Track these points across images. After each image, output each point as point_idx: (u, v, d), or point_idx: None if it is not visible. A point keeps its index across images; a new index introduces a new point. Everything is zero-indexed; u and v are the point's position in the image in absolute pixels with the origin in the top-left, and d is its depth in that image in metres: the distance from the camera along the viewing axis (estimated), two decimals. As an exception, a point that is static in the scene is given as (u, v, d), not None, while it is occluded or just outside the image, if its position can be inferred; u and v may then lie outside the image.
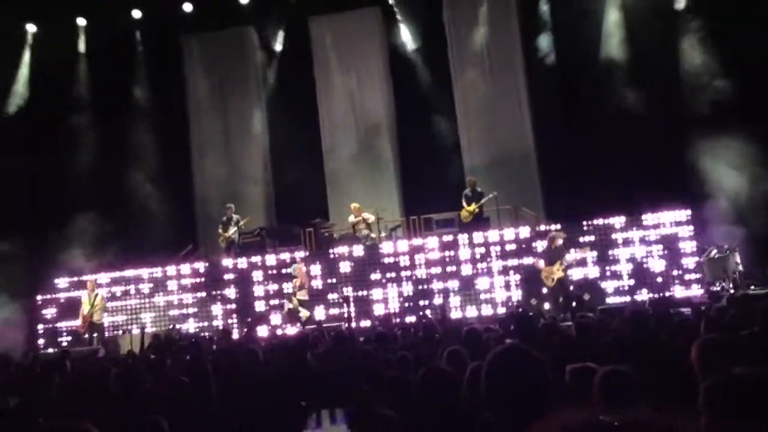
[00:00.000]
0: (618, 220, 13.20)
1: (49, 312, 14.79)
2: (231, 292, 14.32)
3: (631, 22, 15.21)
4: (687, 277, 12.79)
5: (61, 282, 14.90)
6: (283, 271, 13.95)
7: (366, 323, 13.28)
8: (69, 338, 14.16)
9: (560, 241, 12.40)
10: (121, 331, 14.20)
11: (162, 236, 15.59)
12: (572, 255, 12.35)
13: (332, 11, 17.35)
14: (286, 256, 14.28)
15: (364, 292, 13.80)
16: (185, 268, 14.64)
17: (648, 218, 13.08)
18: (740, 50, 13.15)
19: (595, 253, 13.04)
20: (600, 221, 13.26)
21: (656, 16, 14.73)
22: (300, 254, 14.18)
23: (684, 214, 12.96)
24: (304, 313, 13.17)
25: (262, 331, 12.64)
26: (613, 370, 3.31)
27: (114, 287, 14.68)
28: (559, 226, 12.89)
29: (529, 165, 16.26)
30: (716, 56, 14.12)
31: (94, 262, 15.20)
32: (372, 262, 13.89)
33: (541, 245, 13.00)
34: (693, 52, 14.59)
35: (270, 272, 14.25)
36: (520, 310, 10.88)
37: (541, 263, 12.35)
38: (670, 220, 13.00)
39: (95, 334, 13.44)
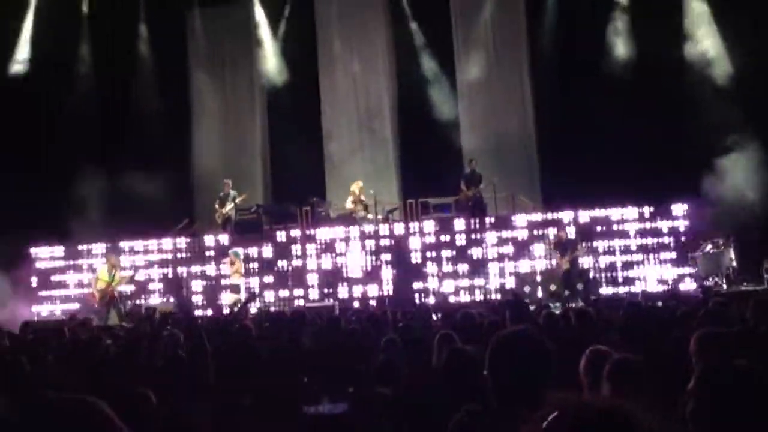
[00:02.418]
0: (615, 212, 13.24)
1: (38, 279, 14.79)
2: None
3: (638, 9, 15.11)
4: (681, 271, 12.88)
5: (44, 251, 14.89)
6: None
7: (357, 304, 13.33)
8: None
9: (567, 234, 12.60)
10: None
11: (159, 208, 15.47)
12: (582, 247, 12.51)
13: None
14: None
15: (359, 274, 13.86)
16: (180, 242, 14.64)
17: (645, 211, 13.14)
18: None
19: (589, 244, 13.13)
20: (596, 212, 13.31)
21: (664, 10, 14.65)
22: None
23: (681, 208, 13.03)
24: (231, 297, 13.14)
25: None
26: (624, 358, 3.31)
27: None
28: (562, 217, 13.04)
29: (529, 152, 16.26)
30: (725, 44, 14.11)
31: (88, 230, 15.07)
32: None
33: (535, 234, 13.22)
34: (701, 41, 14.54)
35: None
36: (515, 296, 10.94)
37: (558, 256, 12.53)
38: (668, 213, 13.07)
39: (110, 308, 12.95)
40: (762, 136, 13.08)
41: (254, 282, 14.07)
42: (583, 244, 12.74)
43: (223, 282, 13.92)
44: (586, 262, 13.04)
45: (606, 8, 15.55)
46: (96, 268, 13.70)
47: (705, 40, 14.49)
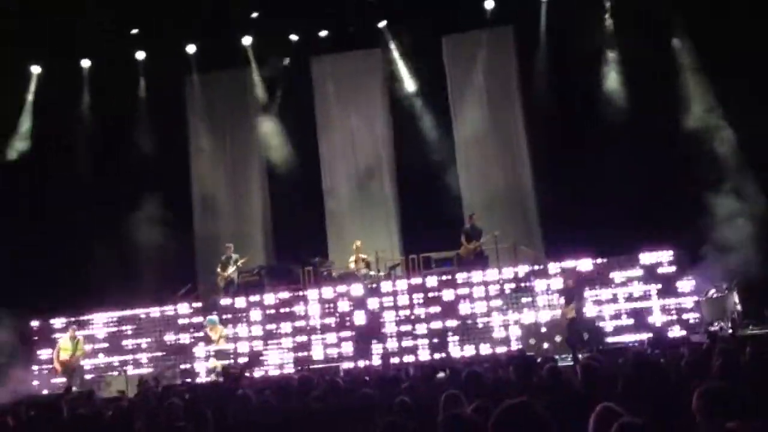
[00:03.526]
0: (616, 259, 13.22)
1: (44, 351, 14.66)
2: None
3: (630, 62, 15.37)
4: (685, 316, 12.78)
5: (57, 322, 14.78)
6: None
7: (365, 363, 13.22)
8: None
9: (574, 282, 12.53)
10: (116, 373, 14.04)
11: (162, 275, 15.49)
12: (587, 296, 12.41)
13: (334, 52, 17.57)
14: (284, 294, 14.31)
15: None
16: (183, 307, 14.60)
17: (646, 257, 13.11)
18: (738, 92, 13.39)
19: (592, 292, 13.04)
20: (598, 260, 13.29)
21: (655, 57, 14.89)
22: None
23: (683, 253, 13.01)
24: (214, 363, 13.23)
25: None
26: (630, 422, 3.23)
27: (109, 327, 14.63)
28: (568, 265, 12.99)
29: (528, 202, 16.39)
30: (715, 97, 14.30)
31: (92, 299, 15.06)
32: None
33: (539, 284, 13.12)
34: (692, 93, 14.73)
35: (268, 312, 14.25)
36: (520, 352, 10.84)
37: (564, 305, 12.45)
38: (669, 259, 13.04)
39: (73, 378, 13.14)
40: (759, 180, 13.17)
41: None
42: (588, 293, 12.60)
43: (208, 348, 13.71)
44: (591, 310, 12.93)
45: (599, 61, 15.78)
46: (57, 340, 13.78)
47: (696, 95, 14.67)
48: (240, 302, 14.39)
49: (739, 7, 13.57)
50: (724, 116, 14.08)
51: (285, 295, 14.33)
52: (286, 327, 14.08)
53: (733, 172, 13.53)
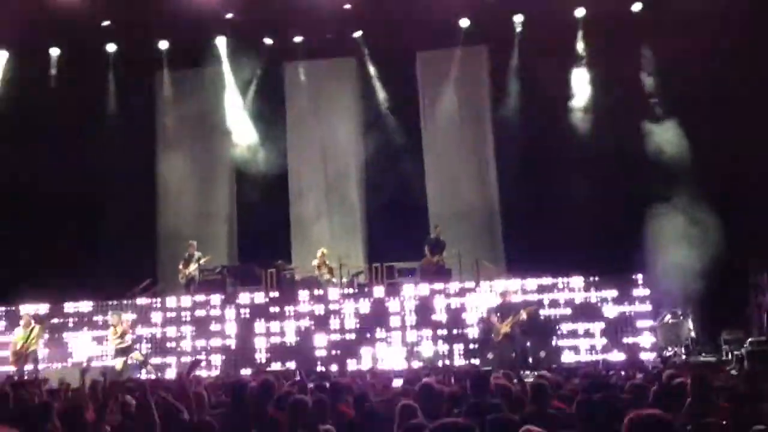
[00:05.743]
0: (575, 280, 13.37)
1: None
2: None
3: (601, 84, 15.69)
4: (640, 339, 12.98)
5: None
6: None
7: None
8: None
9: (512, 298, 12.58)
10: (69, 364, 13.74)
11: (122, 269, 15.23)
12: (523, 313, 12.40)
13: (308, 58, 17.55)
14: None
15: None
16: (141, 301, 14.37)
17: (604, 279, 13.28)
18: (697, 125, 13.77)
19: (551, 311, 13.18)
20: (559, 279, 13.44)
21: (620, 86, 15.21)
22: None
23: (640, 277, 13.22)
24: (137, 356, 13.13)
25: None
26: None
27: (62, 318, 14.31)
28: (511, 282, 13.10)
29: (493, 218, 16.58)
30: (678, 132, 14.67)
31: (46, 290, 14.70)
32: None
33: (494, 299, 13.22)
34: (653, 126, 15.07)
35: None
36: (477, 366, 10.92)
37: (494, 317, 12.49)
38: (626, 282, 13.23)
39: (27, 366, 12.78)
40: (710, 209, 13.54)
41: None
42: (527, 310, 12.48)
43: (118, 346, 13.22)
44: (548, 328, 13.03)
45: (568, 82, 16.06)
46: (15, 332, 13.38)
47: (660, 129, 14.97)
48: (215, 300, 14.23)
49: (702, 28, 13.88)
50: (686, 140, 14.42)
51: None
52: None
53: (690, 196, 13.84)
